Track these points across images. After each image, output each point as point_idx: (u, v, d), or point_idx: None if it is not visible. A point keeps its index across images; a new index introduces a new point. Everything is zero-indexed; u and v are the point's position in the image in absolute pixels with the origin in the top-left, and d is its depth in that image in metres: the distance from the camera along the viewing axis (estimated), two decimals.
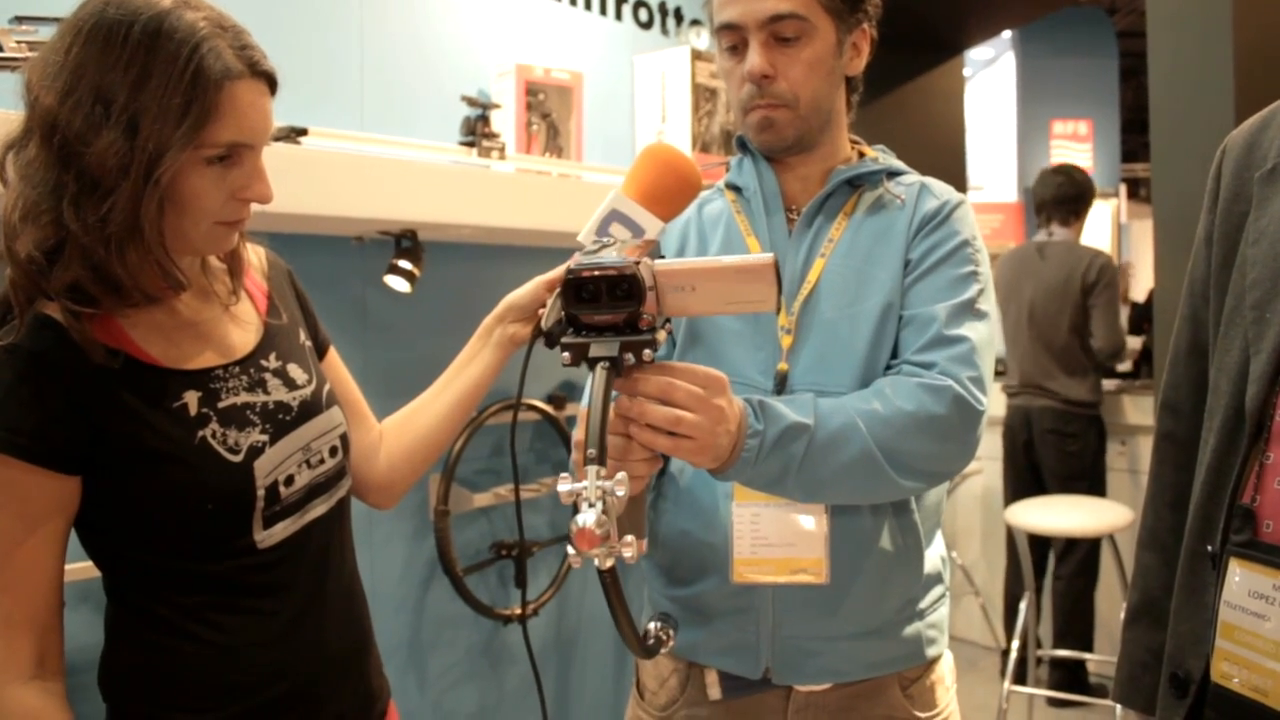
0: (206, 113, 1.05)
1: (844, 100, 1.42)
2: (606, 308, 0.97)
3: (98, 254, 1.05)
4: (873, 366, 1.31)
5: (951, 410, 1.23)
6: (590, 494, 0.88)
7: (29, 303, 1.07)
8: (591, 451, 0.91)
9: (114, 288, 1.08)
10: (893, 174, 1.42)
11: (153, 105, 1.02)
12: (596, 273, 0.96)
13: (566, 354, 0.99)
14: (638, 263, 0.96)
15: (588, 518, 0.87)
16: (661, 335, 1.01)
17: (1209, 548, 1.02)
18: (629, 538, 0.90)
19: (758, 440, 1.15)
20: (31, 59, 1.08)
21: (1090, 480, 3.99)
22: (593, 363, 0.98)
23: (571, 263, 0.98)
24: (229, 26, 1.09)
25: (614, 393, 1.00)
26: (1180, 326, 1.16)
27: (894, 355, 1.32)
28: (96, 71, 1.03)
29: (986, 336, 1.31)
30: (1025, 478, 4.07)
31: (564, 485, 0.90)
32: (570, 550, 0.89)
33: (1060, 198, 4.14)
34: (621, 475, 0.89)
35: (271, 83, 1.13)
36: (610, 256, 0.98)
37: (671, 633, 1.12)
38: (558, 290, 1.02)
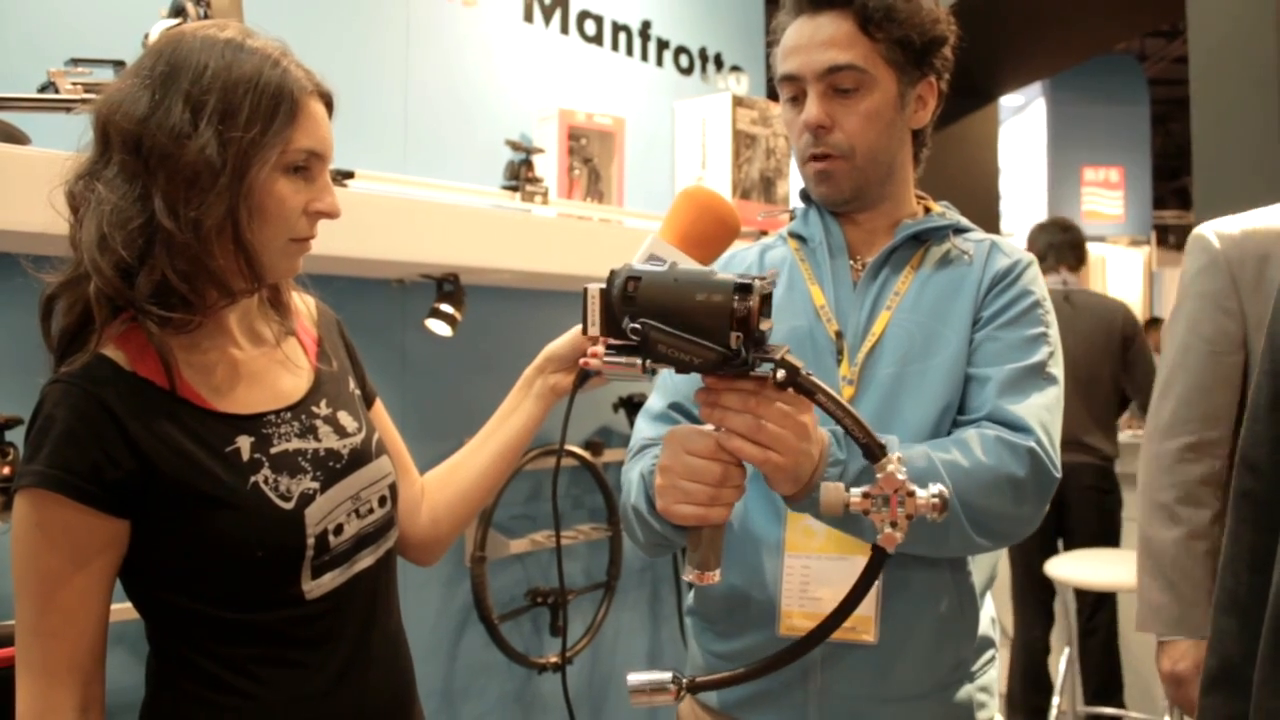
0: (291, 117, 1.11)
1: (909, 154, 1.40)
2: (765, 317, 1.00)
3: (191, 248, 1.07)
4: (938, 425, 1.27)
5: (1030, 473, 1.19)
6: (906, 478, 0.96)
7: (112, 315, 1.08)
8: (877, 448, 0.97)
9: (195, 289, 1.09)
10: (959, 230, 1.40)
11: (243, 107, 1.08)
12: (765, 283, 0.99)
13: (781, 372, 0.98)
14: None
15: (933, 488, 0.96)
16: None
17: None
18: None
19: (839, 469, 1.12)
20: (104, 93, 1.11)
21: (1114, 536, 3.91)
22: (797, 376, 0.98)
23: (734, 276, 0.98)
24: (290, 53, 1.16)
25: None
26: (1260, 381, 1.12)
27: (960, 412, 1.29)
28: (185, 81, 1.07)
29: (1056, 400, 1.27)
30: (1047, 536, 3.88)
31: (885, 484, 0.97)
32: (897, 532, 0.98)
33: (1066, 243, 4.07)
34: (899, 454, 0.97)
35: (330, 105, 1.19)
36: (725, 273, 0.99)
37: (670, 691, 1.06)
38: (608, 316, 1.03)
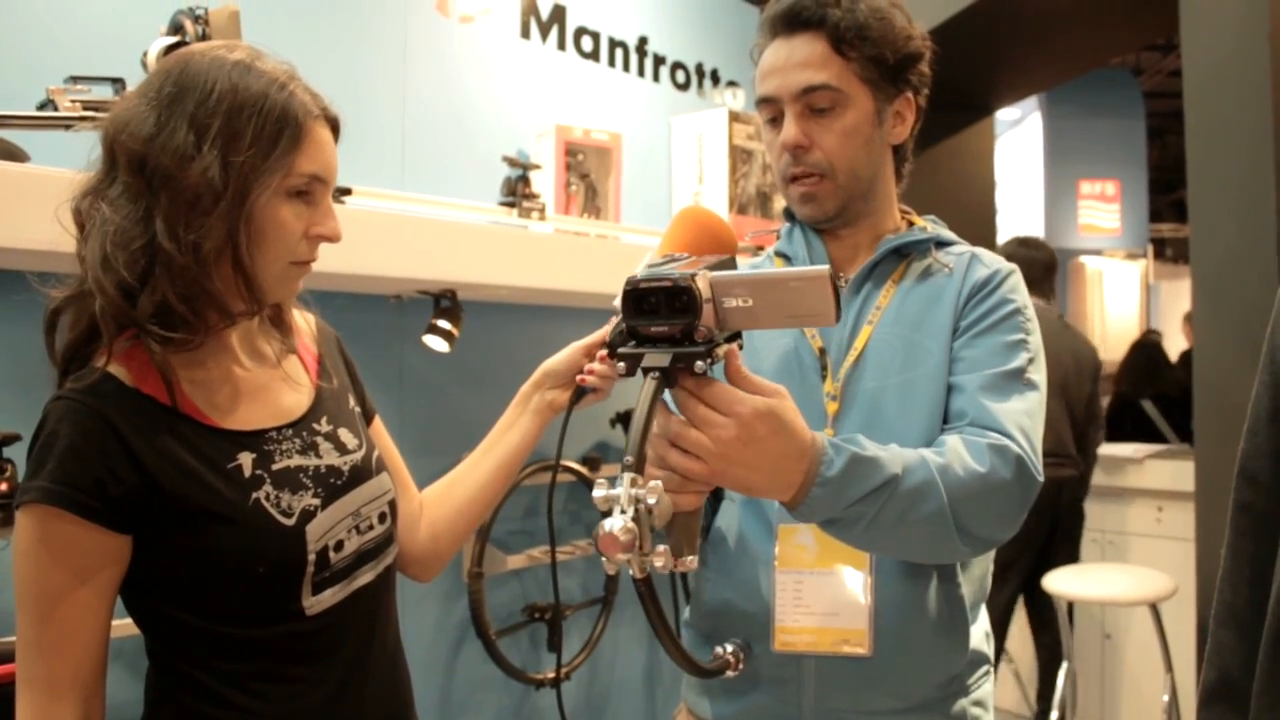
0: (296, 142, 1.11)
1: (890, 169, 1.42)
2: (664, 319, 0.97)
3: (190, 271, 1.07)
4: (926, 436, 1.27)
5: (1015, 477, 1.19)
6: (623, 501, 0.88)
7: (119, 331, 1.08)
8: (629, 459, 0.91)
9: (195, 311, 1.10)
10: (942, 243, 1.41)
11: (247, 131, 1.08)
12: (655, 284, 0.96)
13: (622, 364, 0.99)
14: (694, 275, 0.96)
15: (614, 523, 0.87)
16: (722, 350, 1.00)
17: None
18: (661, 547, 0.90)
19: (827, 490, 1.07)
20: (113, 111, 1.12)
21: (1077, 548, 3.98)
22: (645, 372, 0.97)
23: (635, 273, 0.98)
24: (297, 76, 1.16)
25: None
26: (1260, 393, 1.12)
27: (944, 421, 1.29)
28: (191, 103, 1.08)
29: (1036, 406, 1.27)
30: (1041, 550, 3.89)
31: (599, 491, 0.90)
32: (603, 557, 0.89)
33: (1045, 265, 4.06)
34: (655, 484, 0.89)
35: (336, 129, 1.19)
36: (670, 269, 0.99)
37: (741, 657, 1.17)
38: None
